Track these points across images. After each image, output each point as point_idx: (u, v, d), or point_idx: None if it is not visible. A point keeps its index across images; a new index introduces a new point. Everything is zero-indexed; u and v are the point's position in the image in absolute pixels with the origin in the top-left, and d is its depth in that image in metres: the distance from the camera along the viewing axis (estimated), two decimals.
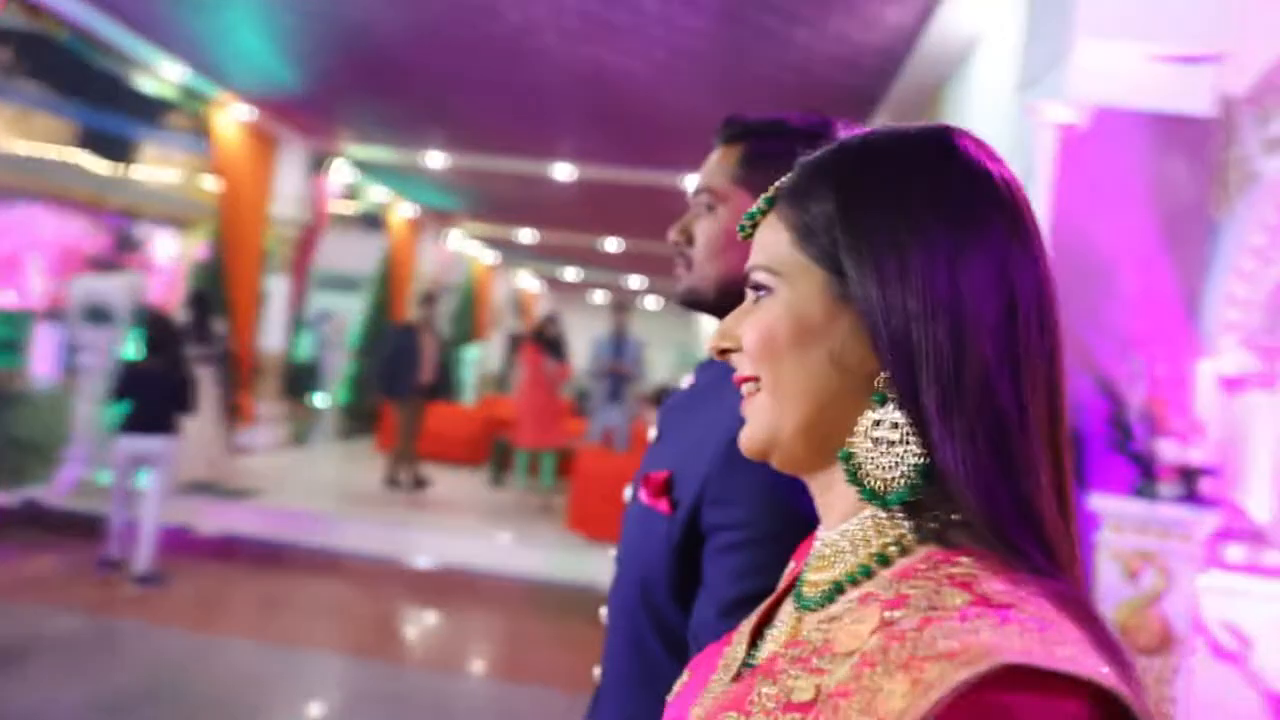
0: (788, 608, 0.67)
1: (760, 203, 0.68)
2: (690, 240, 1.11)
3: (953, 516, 0.55)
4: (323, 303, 11.68)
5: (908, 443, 0.56)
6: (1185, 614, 2.78)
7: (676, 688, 0.73)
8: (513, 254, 15.17)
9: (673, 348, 18.76)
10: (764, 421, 0.64)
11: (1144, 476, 2.75)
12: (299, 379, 10.11)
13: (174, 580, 4.85)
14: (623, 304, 7.86)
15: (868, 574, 0.57)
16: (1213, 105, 3.11)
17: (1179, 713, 2.80)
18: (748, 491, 0.93)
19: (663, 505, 1.01)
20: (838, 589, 0.58)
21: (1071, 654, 0.44)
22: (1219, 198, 3.18)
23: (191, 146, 10.53)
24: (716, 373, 1.10)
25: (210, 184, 8.63)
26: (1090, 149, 3.12)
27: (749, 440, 0.65)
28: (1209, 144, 3.14)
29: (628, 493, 1.16)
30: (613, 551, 1.17)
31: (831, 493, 0.63)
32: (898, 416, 0.57)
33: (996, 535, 0.52)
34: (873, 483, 0.58)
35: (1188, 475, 2.70)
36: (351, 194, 10.26)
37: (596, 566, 5.91)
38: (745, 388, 0.66)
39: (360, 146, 8.55)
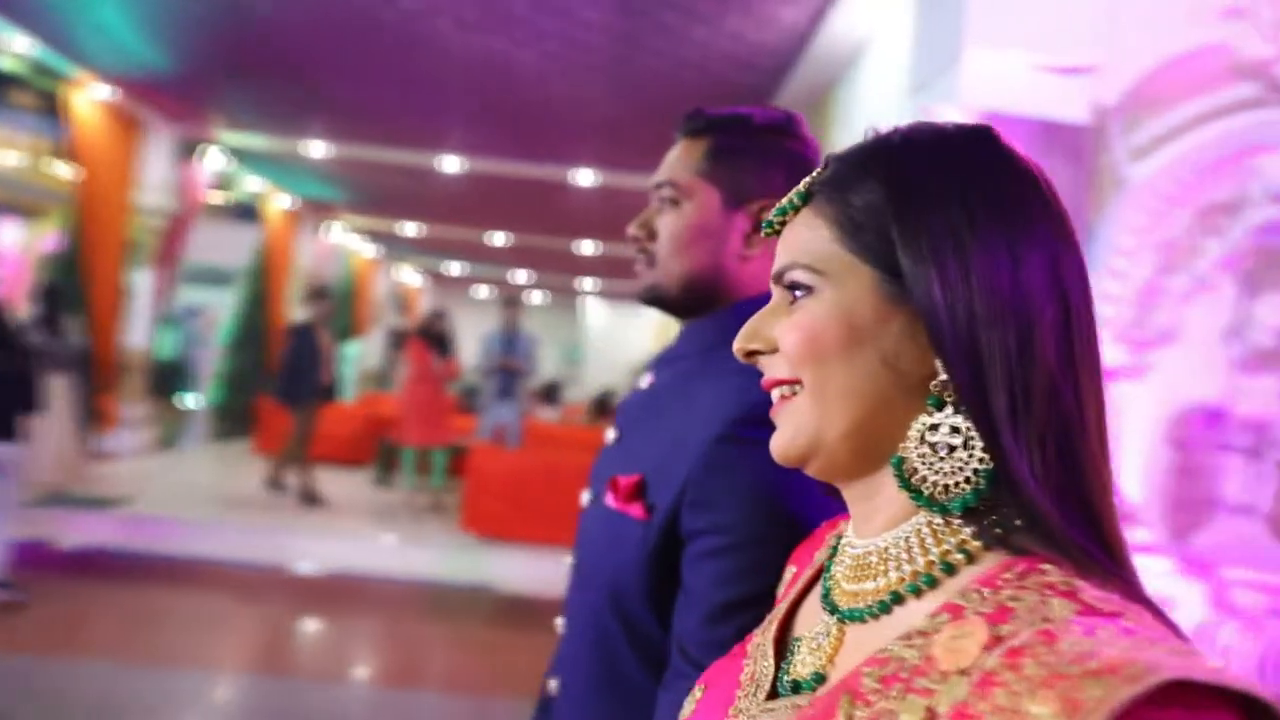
0: (813, 617, 0.65)
1: (793, 198, 0.65)
2: (652, 236, 1.08)
3: (1016, 521, 0.54)
4: (192, 297, 11.05)
5: (970, 448, 0.55)
6: None
7: (690, 705, 0.70)
8: (395, 248, 14.75)
9: (558, 343, 18.68)
10: (806, 426, 0.61)
11: None
12: (166, 378, 9.54)
13: (30, 600, 4.47)
14: (514, 300, 7.75)
15: (932, 583, 0.55)
16: (1088, 114, 3.30)
17: None
18: (732, 494, 0.90)
19: (636, 510, 0.98)
20: (895, 599, 0.57)
21: (1218, 665, 0.43)
22: (1094, 201, 3.38)
23: (39, 128, 9.74)
24: (679, 371, 1.07)
25: (63, 169, 8.01)
26: None
27: (787, 445, 0.63)
28: (1085, 150, 3.33)
29: (585, 497, 1.12)
30: (566, 557, 1.13)
31: (874, 499, 0.61)
32: (957, 421, 0.55)
33: (1064, 539, 0.51)
34: (929, 488, 0.56)
35: None
36: (224, 183, 9.73)
37: (492, 566, 5.81)
38: (777, 391, 0.64)
39: (234, 133, 8.12)
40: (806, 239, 0.62)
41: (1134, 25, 3.26)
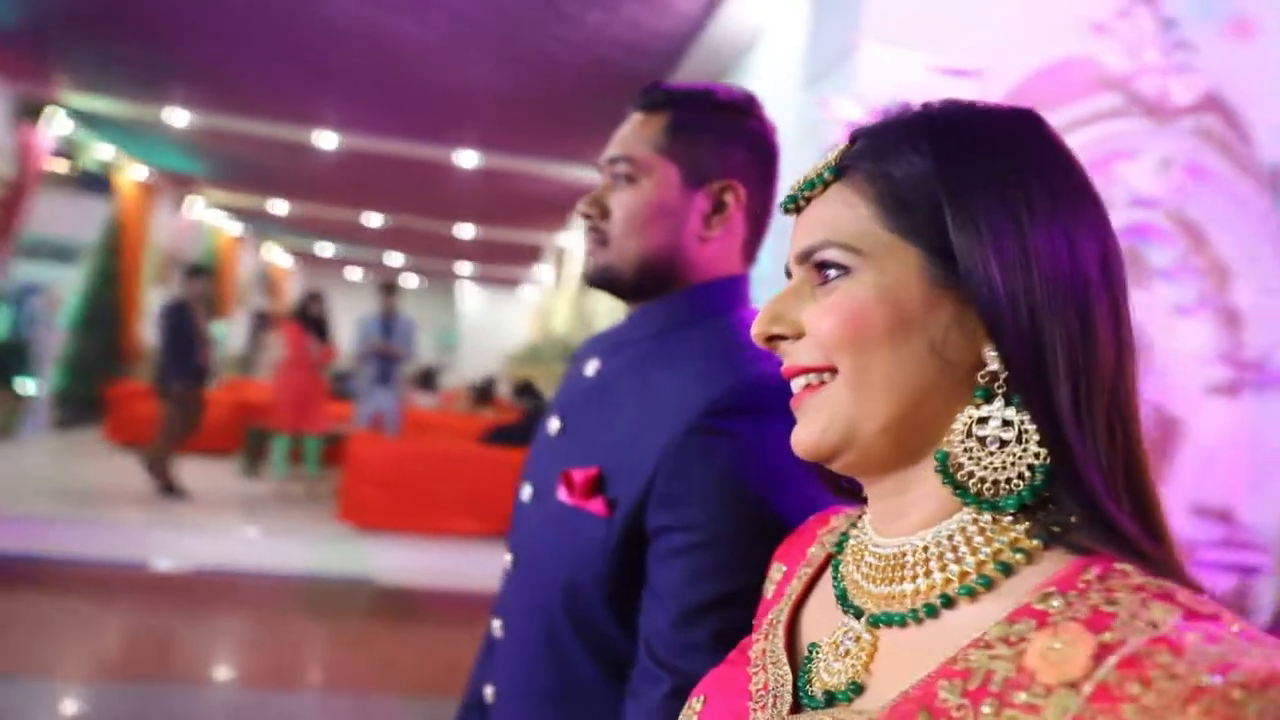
0: (825, 620, 0.62)
1: (824, 172, 0.61)
2: (605, 214, 1.02)
3: (1070, 518, 0.52)
4: (32, 274, 10.16)
5: (1025, 442, 0.52)
6: None
7: (690, 717, 0.65)
8: (262, 226, 14.00)
9: (432, 328, 18.23)
10: (841, 417, 0.57)
11: None
12: (2, 361, 8.74)
13: None
14: (393, 284, 7.49)
15: (988, 584, 0.53)
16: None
17: None
18: (703, 488, 0.86)
19: (596, 506, 0.92)
20: (946, 602, 0.53)
21: None
22: None
23: None
24: (632, 358, 1.02)
25: None
26: None
27: (817, 437, 0.58)
28: None
29: (525, 492, 1.06)
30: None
31: (908, 495, 0.58)
32: (1009, 414, 0.53)
33: (1131, 536, 0.50)
34: (976, 485, 0.54)
35: None
36: (70, 150, 8.96)
37: (371, 557, 5.61)
38: (802, 380, 0.60)
39: (82, 95, 7.48)
40: (842, 216, 0.59)
41: (1015, 33, 3.41)
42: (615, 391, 1.01)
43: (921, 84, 3.30)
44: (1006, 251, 0.53)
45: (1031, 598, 0.50)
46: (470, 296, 19.42)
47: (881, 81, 3.28)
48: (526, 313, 16.81)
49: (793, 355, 0.61)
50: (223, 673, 4.13)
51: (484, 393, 10.28)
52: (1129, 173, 3.59)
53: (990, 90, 3.44)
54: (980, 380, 0.54)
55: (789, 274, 0.65)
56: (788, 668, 0.61)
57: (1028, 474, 0.52)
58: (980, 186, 0.54)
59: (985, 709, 0.46)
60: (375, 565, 5.50)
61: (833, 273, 0.58)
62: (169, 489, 6.70)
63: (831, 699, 0.57)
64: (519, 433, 6.63)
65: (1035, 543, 0.53)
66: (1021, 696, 0.45)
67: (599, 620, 0.93)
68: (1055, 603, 0.49)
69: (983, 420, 0.54)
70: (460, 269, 17.21)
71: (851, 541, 0.66)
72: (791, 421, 0.79)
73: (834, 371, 0.58)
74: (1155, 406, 3.51)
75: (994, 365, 0.54)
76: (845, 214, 0.59)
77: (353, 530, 6.06)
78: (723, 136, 1.01)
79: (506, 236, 12.12)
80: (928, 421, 0.56)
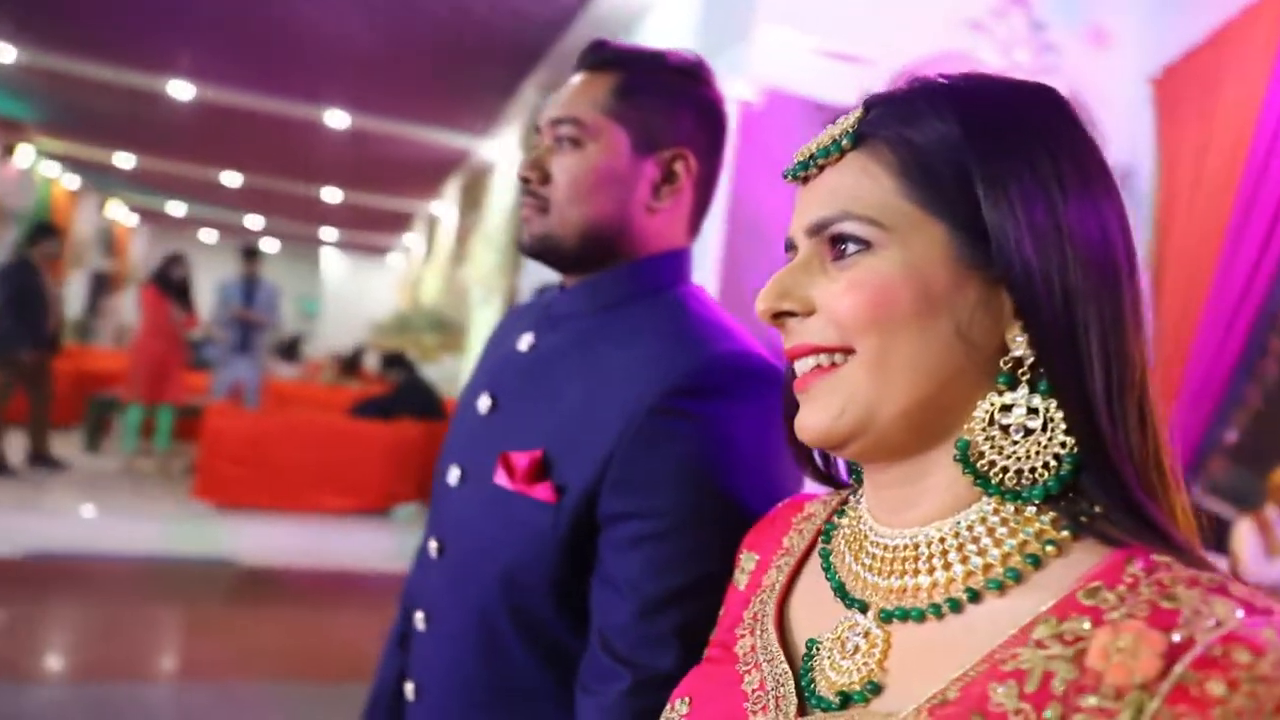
0: (818, 614, 0.59)
1: (842, 139, 0.57)
2: (545, 179, 0.96)
3: (1095, 508, 0.50)
4: None
5: (1051, 430, 0.50)
6: None
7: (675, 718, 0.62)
8: (104, 180, 12.94)
9: (292, 295, 17.39)
10: (858, 400, 0.54)
11: None
12: None
13: None
14: (255, 249, 7.07)
15: (1017, 577, 0.50)
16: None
17: None
18: (665, 472, 0.82)
19: (542, 492, 0.87)
20: (972, 596, 0.51)
21: None
22: None
23: None
24: (574, 333, 0.96)
25: None
26: (765, 129, 3.36)
27: (829, 423, 0.55)
28: None
29: (451, 474, 0.99)
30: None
31: (922, 483, 0.55)
32: (1035, 401, 0.51)
33: (1161, 526, 0.49)
34: (999, 475, 0.52)
35: None
36: None
37: (230, 537, 5.31)
38: (811, 360, 0.56)
39: None
40: (862, 187, 0.55)
41: (901, 24, 3.50)
42: (557, 369, 0.95)
43: (810, 66, 3.35)
44: (1041, 227, 0.50)
45: (1076, 592, 0.48)
46: (334, 264, 18.62)
47: (772, 62, 3.30)
48: (393, 282, 16.27)
49: (801, 334, 0.57)
50: (63, 665, 3.82)
51: (351, 364, 9.91)
52: None
53: (875, 78, 3.52)
54: (1004, 366, 0.52)
55: (790, 247, 0.61)
56: (786, 666, 0.58)
57: (1053, 463, 0.51)
58: (1011, 157, 0.52)
59: (1048, 714, 0.44)
60: (234, 545, 5.21)
61: (851, 247, 0.55)
62: (39, 458, 6.21)
63: (847, 700, 0.54)
64: (389, 405, 6.42)
65: (1065, 534, 0.51)
66: (1090, 700, 0.43)
67: (543, 614, 0.88)
68: (1108, 597, 0.47)
69: (1006, 408, 0.52)
70: (325, 235, 16.46)
71: (844, 531, 0.63)
72: (755, 405, 0.76)
73: (847, 352, 0.55)
74: None
75: (1019, 350, 0.52)
76: (866, 184, 0.55)
77: (210, 508, 5.72)
78: (674, 102, 0.97)
79: (375, 202, 11.65)
80: (948, 408, 0.54)
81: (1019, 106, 0.55)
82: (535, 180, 0.96)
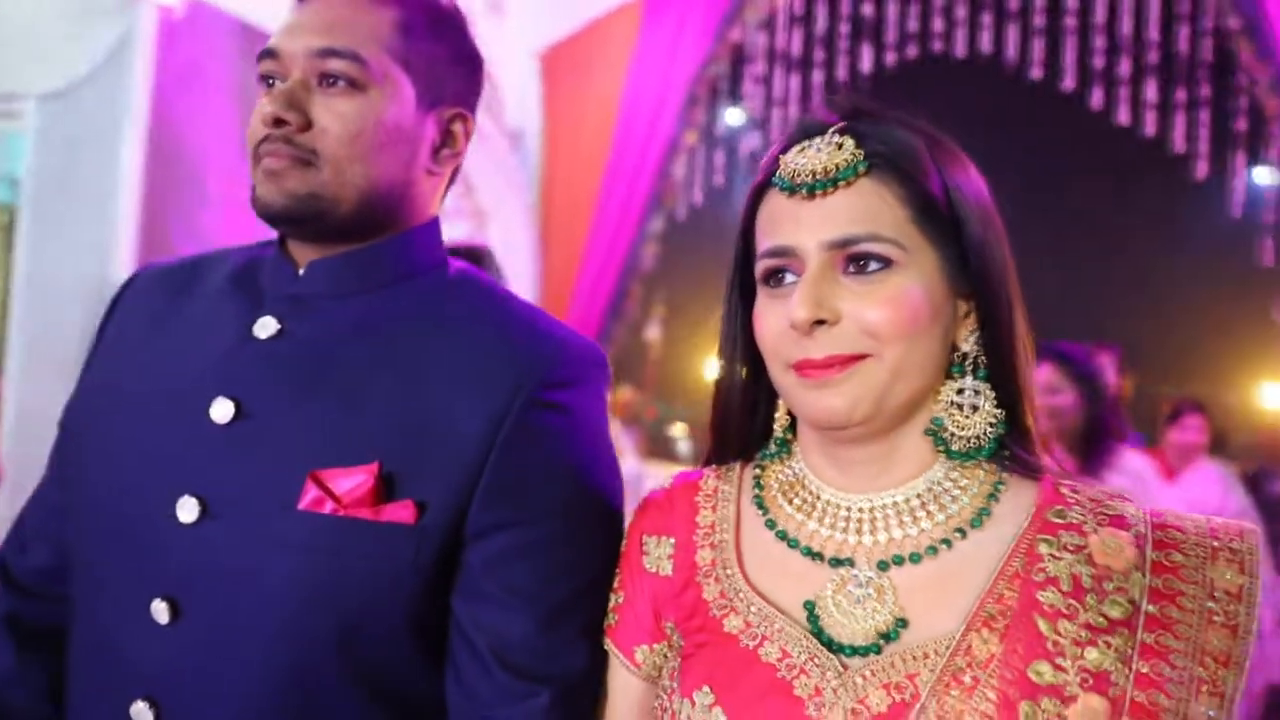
0: (794, 579, 0.68)
1: (861, 163, 0.66)
2: (307, 124, 0.76)
3: (1023, 456, 0.68)
4: None
5: (987, 406, 0.67)
6: None
7: (713, 712, 0.65)
8: None
9: None
10: (873, 393, 0.65)
11: None
12: None
13: None
14: None
15: (988, 514, 0.66)
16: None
17: None
18: (548, 472, 0.76)
19: (401, 513, 0.72)
20: (961, 533, 0.65)
21: None
22: None
23: None
24: (353, 320, 0.80)
25: None
26: (188, 43, 2.93)
27: (849, 410, 0.65)
28: None
29: (185, 509, 0.75)
30: (126, 604, 0.76)
31: (897, 453, 0.68)
32: (979, 384, 0.67)
33: (1046, 459, 0.69)
34: (958, 442, 0.67)
35: None
36: None
37: None
38: (819, 357, 0.65)
39: None
40: (882, 212, 0.65)
41: None
42: (349, 364, 0.78)
43: None
44: (1002, 264, 0.68)
45: (1044, 514, 0.66)
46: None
47: None
48: None
49: (833, 343, 0.65)
50: None
51: None
52: None
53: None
54: (956, 359, 0.68)
55: (788, 254, 0.67)
56: (802, 628, 0.66)
57: (989, 430, 0.68)
58: (980, 210, 0.68)
59: (1090, 599, 0.62)
60: None
61: (874, 265, 0.64)
62: None
63: (885, 639, 0.64)
64: None
65: (1008, 476, 0.68)
66: (1111, 584, 0.63)
67: (393, 662, 0.75)
68: (1071, 515, 0.66)
69: (960, 391, 0.68)
70: None
71: (788, 506, 0.72)
72: (600, 391, 0.80)
73: (866, 356, 0.65)
74: None
75: (968, 348, 0.68)
76: (887, 210, 0.65)
77: None
78: (456, 53, 0.85)
79: None
80: (924, 395, 0.68)
81: (975, 172, 0.71)
82: (295, 128, 0.76)
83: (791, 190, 0.68)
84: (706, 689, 0.67)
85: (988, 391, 0.69)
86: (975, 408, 0.68)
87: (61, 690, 0.84)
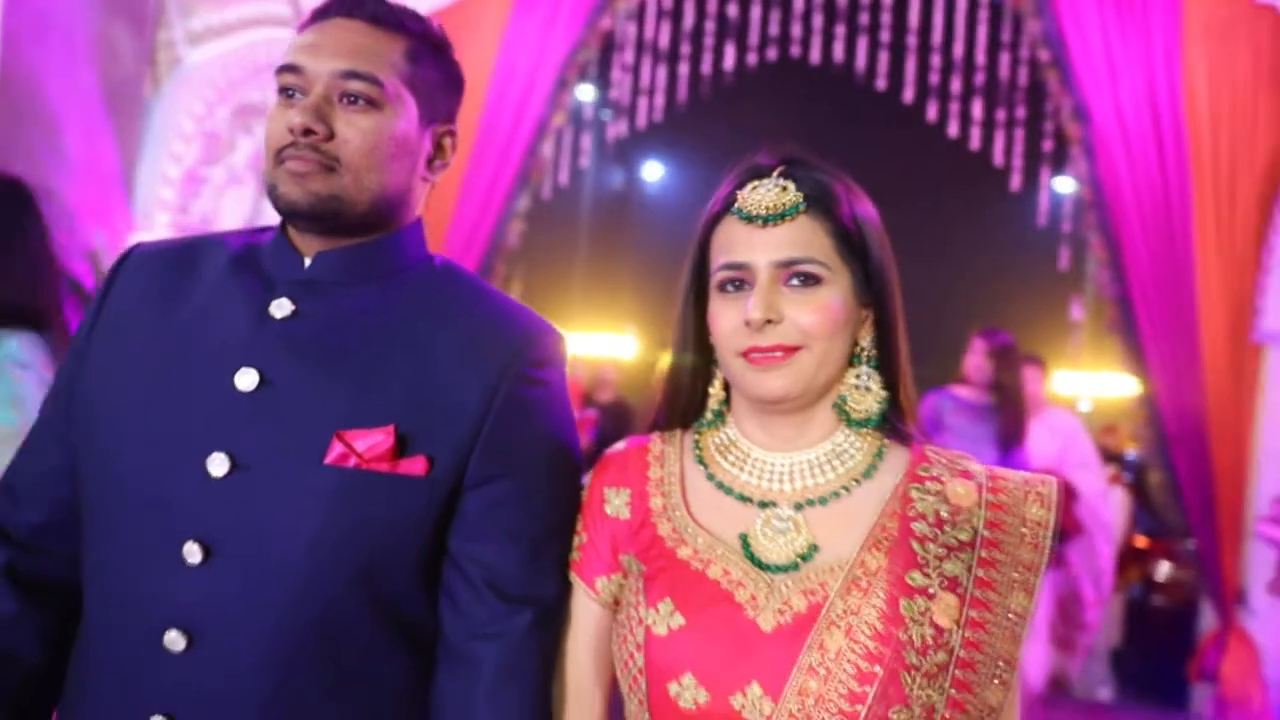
0: (726, 518, 0.89)
1: (801, 204, 0.87)
2: (330, 135, 0.89)
3: (898, 426, 0.90)
4: None
5: (876, 389, 0.90)
6: None
7: (673, 618, 0.85)
8: None
9: None
10: (804, 377, 0.86)
11: None
12: None
13: None
14: None
15: (875, 468, 0.88)
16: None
17: None
18: (534, 435, 0.93)
19: (414, 466, 0.86)
20: (856, 483, 0.88)
21: None
22: (153, 77, 3.27)
23: None
24: (358, 304, 0.93)
25: None
26: None
27: (788, 387, 0.86)
28: (147, 22, 3.18)
29: (216, 464, 0.86)
30: (161, 546, 0.86)
31: (812, 421, 0.90)
32: (871, 372, 0.89)
33: (915, 430, 0.91)
34: (856, 414, 0.89)
35: None
36: None
37: None
38: (767, 346, 0.85)
39: None
40: (816, 241, 0.86)
41: None
42: (366, 342, 0.91)
43: None
44: (894, 282, 0.90)
45: (915, 469, 0.90)
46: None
47: None
48: None
49: (773, 336, 0.86)
50: None
51: None
52: None
53: None
54: (857, 352, 0.90)
55: (742, 268, 0.87)
56: (738, 554, 0.86)
57: (876, 406, 0.90)
58: (879, 238, 0.91)
59: (947, 528, 0.86)
60: None
61: (809, 280, 0.86)
62: None
63: (802, 559, 0.84)
64: None
65: (888, 441, 0.91)
66: (962, 517, 0.87)
67: (410, 597, 0.90)
68: (933, 470, 0.88)
69: (859, 375, 0.90)
70: None
71: (724, 463, 0.93)
72: (563, 368, 0.98)
73: (799, 348, 0.86)
74: None
75: (866, 344, 0.90)
76: (818, 240, 0.88)
77: None
78: (448, 77, 0.99)
79: None
80: (835, 379, 0.91)
81: (872, 207, 0.92)
82: (321, 135, 0.88)
83: (749, 220, 0.88)
84: (668, 599, 0.86)
85: (877, 377, 0.91)
86: (868, 389, 0.90)
87: (59, 639, 0.94)
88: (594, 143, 4.95)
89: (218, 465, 0.87)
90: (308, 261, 0.95)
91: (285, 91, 0.91)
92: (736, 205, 0.90)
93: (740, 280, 0.88)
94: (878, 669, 0.80)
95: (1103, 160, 3.69)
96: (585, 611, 0.94)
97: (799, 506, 0.89)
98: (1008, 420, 3.13)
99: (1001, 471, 0.92)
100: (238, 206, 3.84)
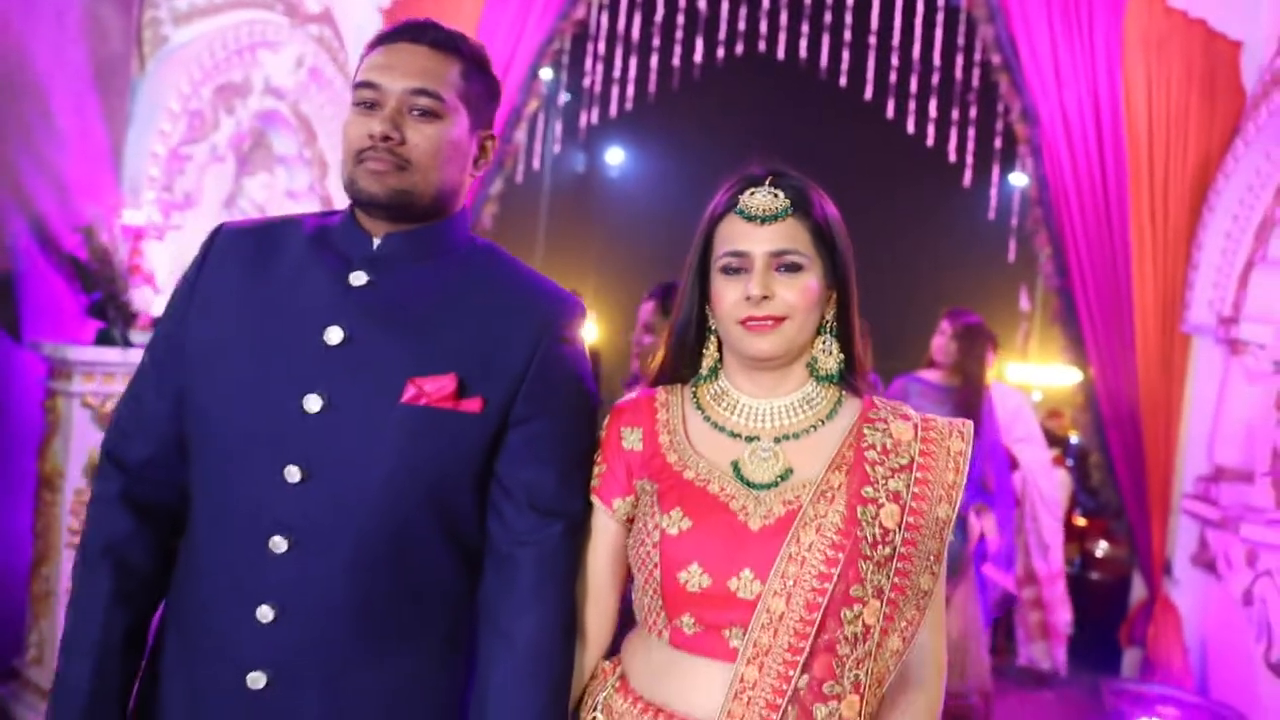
0: (719, 449, 1.10)
1: (789, 208, 1.08)
2: (404, 140, 1.07)
3: (852, 381, 1.12)
4: None
5: (836, 352, 1.11)
6: None
7: (683, 521, 1.06)
8: None
9: None
10: (788, 340, 1.08)
11: (118, 324, 2.84)
12: None
13: None
14: None
15: (835, 413, 1.10)
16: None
17: None
18: (564, 384, 1.14)
19: (472, 405, 1.06)
20: (821, 424, 1.09)
21: None
22: (139, 56, 3.33)
23: None
24: (426, 274, 1.12)
25: None
26: None
27: (774, 348, 1.08)
28: (133, 1, 3.24)
29: (311, 402, 1.05)
30: (259, 466, 1.05)
31: (789, 376, 1.12)
32: (832, 340, 1.11)
33: (861, 385, 1.13)
34: (821, 371, 1.11)
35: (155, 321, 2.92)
36: None
37: None
38: (762, 316, 1.07)
39: None
40: (799, 238, 1.08)
41: None
42: (432, 308, 1.11)
43: None
44: (852, 270, 1.11)
45: (867, 413, 1.12)
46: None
47: None
48: None
49: (766, 308, 1.08)
50: None
51: None
52: (269, 62, 3.88)
53: None
54: (823, 323, 1.11)
55: (741, 254, 1.08)
56: (731, 475, 1.07)
57: (836, 365, 1.14)
58: (843, 234, 1.12)
59: (891, 456, 1.09)
60: None
61: (794, 268, 1.07)
62: None
63: (779, 479, 1.06)
64: None
65: (845, 393, 1.13)
66: (902, 447, 1.10)
67: (465, 513, 1.09)
68: (881, 414, 1.12)
69: (825, 342, 1.11)
70: None
71: (718, 408, 1.14)
72: (581, 329, 1.19)
73: (786, 318, 1.07)
74: None
75: (829, 318, 1.11)
76: (800, 236, 1.10)
77: None
78: (490, 90, 1.17)
79: None
80: (808, 344, 1.14)
81: (836, 209, 1.13)
82: (396, 140, 1.06)
83: (749, 219, 1.10)
84: (678, 508, 1.08)
85: (836, 344, 1.14)
86: (830, 353, 1.14)
87: (165, 550, 1.13)
88: (548, 127, 5.05)
89: (313, 403, 1.05)
90: (376, 241, 1.13)
91: (363, 104, 1.08)
92: (739, 207, 1.12)
93: (740, 266, 1.10)
94: (840, 556, 1.02)
95: (1048, 159, 3.91)
96: (603, 527, 1.16)
97: (778, 440, 1.12)
98: (963, 401, 3.36)
99: (933, 418, 1.16)
100: (218, 184, 3.91)
